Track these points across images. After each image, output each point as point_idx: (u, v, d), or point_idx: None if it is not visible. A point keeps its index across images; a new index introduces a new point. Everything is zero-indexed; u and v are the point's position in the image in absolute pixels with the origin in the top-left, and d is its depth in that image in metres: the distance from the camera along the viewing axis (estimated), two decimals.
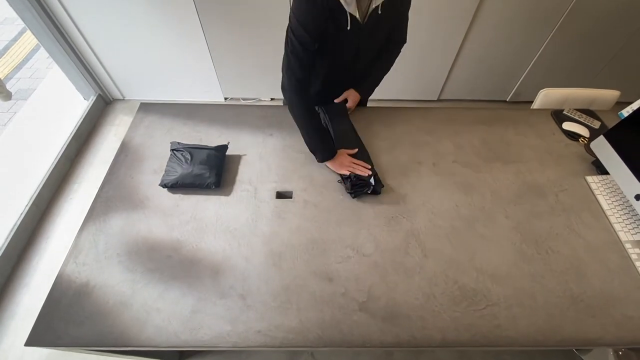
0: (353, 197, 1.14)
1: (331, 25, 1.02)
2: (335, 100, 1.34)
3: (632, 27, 2.14)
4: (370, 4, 1.02)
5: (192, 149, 1.20)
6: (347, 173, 1.15)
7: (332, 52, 1.13)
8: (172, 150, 1.21)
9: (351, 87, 1.35)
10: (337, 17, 1.00)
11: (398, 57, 1.32)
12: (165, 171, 1.18)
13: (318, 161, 1.20)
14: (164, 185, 1.15)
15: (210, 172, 1.15)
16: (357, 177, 1.14)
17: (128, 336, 0.87)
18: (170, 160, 1.20)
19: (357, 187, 1.13)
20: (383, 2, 1.01)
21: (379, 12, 1.03)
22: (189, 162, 1.16)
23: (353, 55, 1.17)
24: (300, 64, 1.07)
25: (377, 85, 1.36)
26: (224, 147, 1.24)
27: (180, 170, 1.15)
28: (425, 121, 1.39)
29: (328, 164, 1.20)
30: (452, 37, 2.21)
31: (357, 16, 1.01)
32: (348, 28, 1.02)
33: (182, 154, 1.19)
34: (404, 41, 1.28)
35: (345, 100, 1.35)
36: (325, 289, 0.95)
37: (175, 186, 1.14)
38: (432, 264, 1.01)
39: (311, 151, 1.20)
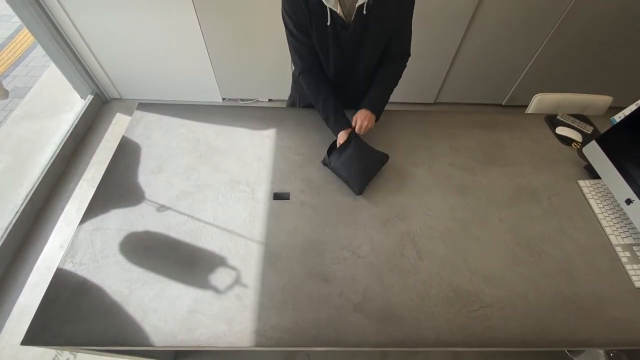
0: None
1: (315, 18, 1.06)
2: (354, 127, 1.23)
3: (626, 34, 2.18)
4: (355, 2, 1.02)
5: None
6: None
7: (319, 47, 1.15)
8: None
9: (355, 94, 1.32)
10: (319, 10, 1.04)
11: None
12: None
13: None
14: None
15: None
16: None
17: (124, 336, 0.87)
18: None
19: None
20: (367, 2, 1.01)
21: (364, 12, 1.03)
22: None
23: (342, 55, 1.17)
24: (298, 53, 1.17)
25: (384, 97, 1.26)
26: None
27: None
28: (421, 124, 1.41)
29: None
30: (449, 41, 2.23)
31: (338, 11, 1.02)
32: (328, 23, 1.05)
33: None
34: (406, 54, 1.24)
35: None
36: (321, 289, 0.96)
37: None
38: (426, 266, 1.02)
39: None
